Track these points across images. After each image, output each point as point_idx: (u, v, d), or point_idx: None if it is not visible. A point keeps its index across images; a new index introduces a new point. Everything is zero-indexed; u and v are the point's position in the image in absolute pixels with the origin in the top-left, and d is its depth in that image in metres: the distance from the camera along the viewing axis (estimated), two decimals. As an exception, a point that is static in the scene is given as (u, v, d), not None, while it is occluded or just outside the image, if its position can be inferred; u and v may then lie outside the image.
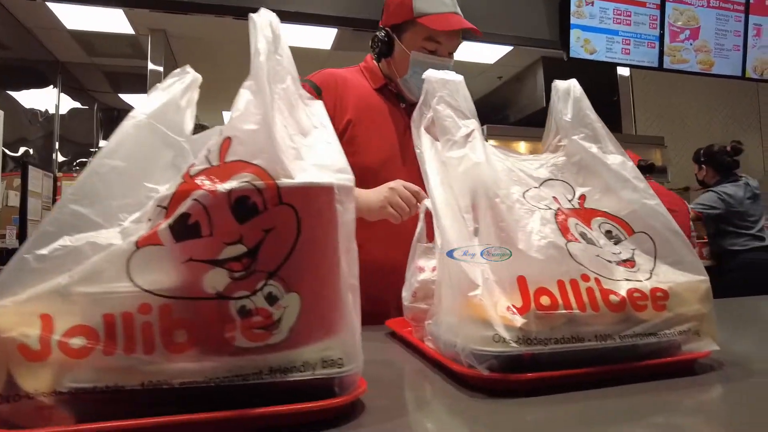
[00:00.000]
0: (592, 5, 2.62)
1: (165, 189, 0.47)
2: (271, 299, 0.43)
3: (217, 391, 0.42)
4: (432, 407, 0.50)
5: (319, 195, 0.45)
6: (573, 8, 2.58)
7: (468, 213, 0.60)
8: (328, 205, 0.45)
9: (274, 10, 0.53)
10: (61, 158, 4.45)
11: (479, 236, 0.59)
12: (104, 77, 4.64)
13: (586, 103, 0.69)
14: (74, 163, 4.51)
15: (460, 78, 0.70)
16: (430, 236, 0.79)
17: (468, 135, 0.65)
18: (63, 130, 4.40)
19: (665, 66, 2.77)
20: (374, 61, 1.24)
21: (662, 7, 2.75)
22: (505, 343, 0.50)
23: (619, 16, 2.68)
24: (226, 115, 0.53)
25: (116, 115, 4.69)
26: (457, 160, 0.64)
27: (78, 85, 4.59)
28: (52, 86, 4.26)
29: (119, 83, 4.77)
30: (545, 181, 0.66)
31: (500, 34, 2.60)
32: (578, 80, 0.73)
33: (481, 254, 0.56)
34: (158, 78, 3.75)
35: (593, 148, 0.66)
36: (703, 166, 2.86)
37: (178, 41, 4.17)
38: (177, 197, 0.43)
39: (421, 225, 0.80)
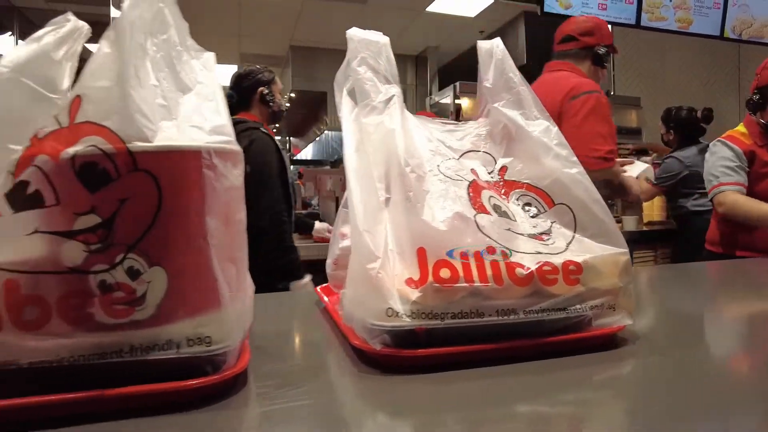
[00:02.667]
0: (571, -43, 2.51)
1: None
2: (133, 273, 0.39)
3: (73, 370, 0.39)
4: (320, 383, 0.48)
5: (182, 160, 0.41)
6: (550, -40, 2.47)
7: (381, 182, 0.57)
8: (195, 170, 0.41)
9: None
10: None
11: (388, 207, 0.55)
12: (66, 24, 4.40)
13: (509, 65, 0.65)
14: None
15: (385, 39, 0.65)
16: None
17: (388, 100, 0.61)
18: (24, 80, 4.20)
19: (643, 23, 2.70)
20: None
21: (643, -39, 2.66)
22: (398, 318, 0.47)
23: (598, -31, 2.58)
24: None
25: (79, 64, 4.49)
26: (374, 126, 0.60)
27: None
28: (9, 33, 4.04)
29: (82, 31, 4.54)
30: (465, 152, 0.63)
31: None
32: None
33: (443, 178, 0.57)
34: (123, 26, 3.57)
35: (516, 115, 0.63)
36: (671, 130, 2.87)
37: (142, -13, 3.94)
38: (22, 162, 0.39)
39: (348, 190, 0.77)
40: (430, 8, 4.70)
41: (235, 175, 0.45)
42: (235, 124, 2.26)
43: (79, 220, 0.38)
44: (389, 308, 0.48)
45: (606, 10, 2.62)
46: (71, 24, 0.53)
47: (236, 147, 0.46)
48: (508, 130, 0.65)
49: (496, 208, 0.57)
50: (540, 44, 4.95)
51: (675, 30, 2.77)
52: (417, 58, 5.85)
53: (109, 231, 0.39)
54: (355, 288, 0.52)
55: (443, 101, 3.05)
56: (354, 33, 0.65)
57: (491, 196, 0.58)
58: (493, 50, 0.68)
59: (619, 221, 3.43)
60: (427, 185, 0.56)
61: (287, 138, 7.79)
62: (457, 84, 2.88)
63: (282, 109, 2.11)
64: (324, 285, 0.84)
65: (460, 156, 0.63)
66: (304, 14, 4.72)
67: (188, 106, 0.45)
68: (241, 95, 2.04)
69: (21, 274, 0.38)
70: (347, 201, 0.76)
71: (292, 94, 5.47)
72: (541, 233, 0.57)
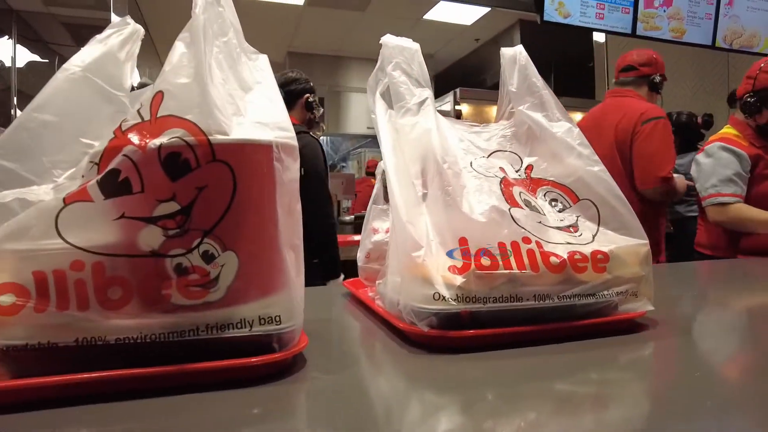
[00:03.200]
0: (569, -33, 2.58)
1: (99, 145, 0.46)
2: (208, 258, 0.43)
3: (154, 347, 0.42)
4: (371, 362, 0.52)
5: (255, 152, 0.44)
6: (549, -30, 2.53)
7: (417, 179, 0.61)
8: (266, 163, 0.45)
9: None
10: (19, 114, 4.27)
11: (426, 201, 0.59)
12: (65, 29, 4.41)
13: (532, 70, 0.69)
14: (35, 120, 4.32)
15: (416, 46, 0.69)
16: (387, 198, 0.79)
17: (421, 103, 0.65)
18: (21, 84, 4.20)
19: (638, 33, 2.77)
20: None
21: (638, -28, 2.73)
22: (444, 301, 0.51)
23: (595, -21, 2.65)
24: None
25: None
26: (410, 127, 0.64)
27: (36, 37, 4.36)
28: (6, 37, 4.03)
29: (81, 36, 4.54)
30: (493, 152, 0.67)
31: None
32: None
33: (478, 174, 0.61)
34: (122, 31, 3.58)
35: (539, 117, 0.67)
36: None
37: (142, -8, 3.97)
38: (108, 153, 0.42)
39: (378, 186, 0.81)
40: (427, 16, 4.77)
41: (295, 169, 0.49)
42: None
43: (160, 207, 0.41)
44: (436, 293, 0.51)
45: (603, 19, 2.69)
46: (131, 27, 0.57)
47: (296, 143, 0.49)
48: (532, 131, 0.69)
49: (527, 203, 0.61)
50: (535, 52, 5.03)
51: (669, 39, 2.85)
52: (413, 65, 5.90)
53: (187, 217, 0.42)
54: (399, 275, 0.56)
55: (443, 107, 3.10)
56: (388, 40, 0.69)
57: (521, 192, 0.62)
58: (516, 57, 0.72)
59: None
60: (463, 181, 0.59)
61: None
62: (458, 90, 2.94)
63: (320, 119, 2.17)
64: (351, 279, 0.87)
65: (489, 155, 0.67)
66: (304, 21, 4.77)
67: (253, 104, 0.48)
68: (288, 97, 2.08)
69: (106, 257, 0.41)
70: (377, 197, 0.79)
71: (290, 100, 5.49)
72: (569, 226, 0.61)
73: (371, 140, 6.21)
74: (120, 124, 0.43)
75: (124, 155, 0.40)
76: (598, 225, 0.62)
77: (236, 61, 0.52)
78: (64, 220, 0.40)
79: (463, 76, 5.90)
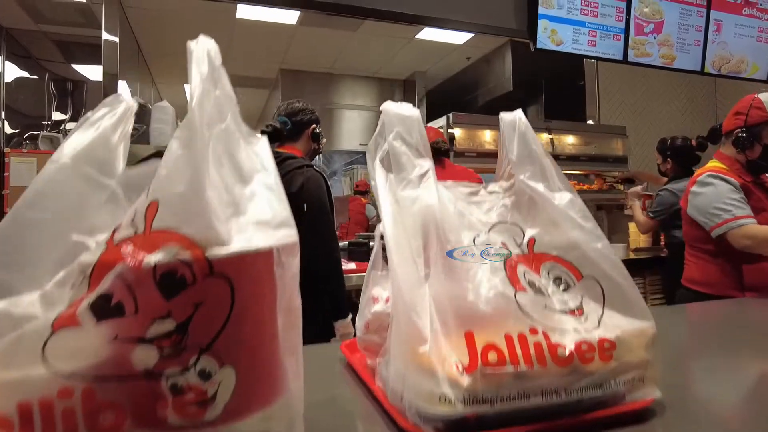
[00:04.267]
0: (561, -5, 2.60)
1: (94, 243, 0.44)
2: (205, 375, 0.40)
3: (146, 472, 0.39)
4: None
5: (255, 261, 0.42)
6: (541, -3, 2.55)
7: (419, 256, 0.59)
8: (267, 270, 0.43)
9: None
10: (9, 130, 4.20)
11: (430, 282, 0.57)
12: (55, 46, 4.37)
13: (531, 136, 0.68)
14: (24, 137, 4.27)
15: (416, 114, 0.68)
16: (386, 259, 0.78)
17: (423, 175, 0.64)
18: (9, 100, 4.14)
19: (629, 59, 2.80)
20: None
21: (628, 0, 2.76)
22: (451, 405, 0.49)
23: (586, 6, 2.67)
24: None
25: (70, 87, 4.44)
26: (411, 200, 0.62)
27: (25, 53, 4.31)
28: (-5, 53, 3.98)
29: (72, 53, 4.50)
30: (495, 225, 0.65)
31: (466, 21, 2.56)
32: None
33: (481, 254, 0.59)
34: (113, 49, 3.55)
35: (540, 187, 0.66)
36: (669, 159, 2.94)
37: (134, 11, 3.95)
38: (100, 267, 0.40)
39: (376, 249, 0.79)
40: (419, 36, 4.79)
41: (295, 265, 0.47)
42: (287, 159, 2.26)
43: (154, 325, 0.39)
44: (442, 394, 0.49)
45: (595, 46, 2.71)
46: (124, 105, 0.55)
47: (296, 238, 0.47)
48: (533, 200, 0.68)
49: (532, 285, 0.60)
50: (526, 71, 5.08)
51: (659, 65, 2.88)
52: (405, 82, 5.93)
53: (183, 335, 0.40)
54: (402, 366, 0.54)
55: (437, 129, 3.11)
56: (388, 107, 0.68)
57: (525, 272, 0.61)
58: (516, 123, 0.71)
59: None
60: (467, 262, 0.58)
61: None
62: (450, 115, 2.94)
63: (323, 149, 2.14)
64: (347, 342, 0.85)
65: (490, 229, 0.66)
66: (296, 39, 4.77)
67: (253, 201, 0.46)
68: (294, 127, 2.04)
69: (98, 381, 0.39)
70: (375, 262, 0.78)
71: (282, 117, 5.48)
72: (575, 309, 0.59)
73: (362, 156, 6.21)
74: (112, 235, 0.41)
75: (117, 275, 0.38)
76: (603, 306, 0.61)
77: (235, 149, 0.50)
78: (52, 347, 0.37)
79: (455, 93, 5.93)
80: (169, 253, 0.39)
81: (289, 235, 0.46)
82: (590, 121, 4.13)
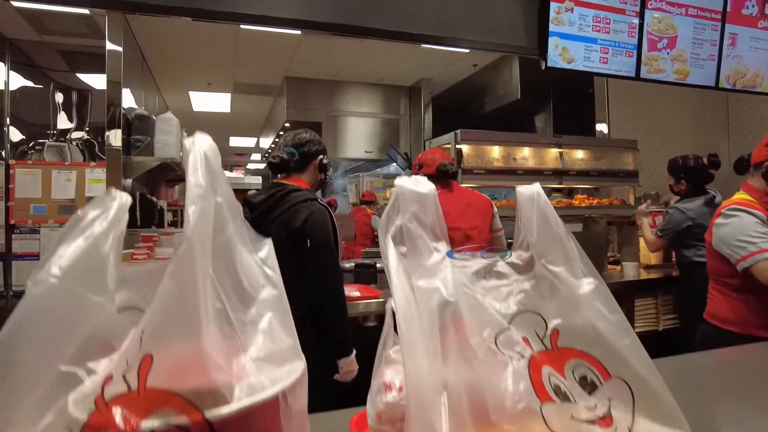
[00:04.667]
0: (572, 12, 2.54)
1: (83, 372, 0.40)
2: None
3: None
4: None
5: (260, 414, 0.38)
6: (552, 14, 2.50)
7: (436, 358, 0.55)
8: (272, 418, 0.39)
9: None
10: (14, 139, 4.19)
11: (448, 391, 0.53)
12: (59, 56, 4.35)
13: (551, 214, 0.64)
14: (29, 146, 4.26)
15: (433, 191, 0.64)
16: (396, 330, 0.74)
17: (440, 262, 0.59)
18: (14, 109, 4.13)
19: (642, 76, 2.74)
20: None
21: (641, 15, 2.70)
22: None
23: (598, 23, 2.62)
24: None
25: (75, 96, 4.42)
26: (428, 292, 0.58)
27: (30, 63, 4.29)
28: (0, 63, 3.96)
29: (77, 62, 4.48)
30: (515, 315, 0.61)
31: (475, 40, 2.51)
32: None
33: (504, 354, 0.56)
34: (117, 58, 3.52)
35: (564, 273, 0.61)
36: (682, 180, 2.88)
37: (137, 20, 3.92)
38: (88, 430, 0.36)
39: (387, 326, 0.75)
40: (426, 43, 4.74)
41: (303, 399, 0.43)
42: (292, 191, 2.20)
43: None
44: None
45: (607, 63, 2.65)
46: (117, 202, 0.51)
47: (303, 369, 0.43)
48: (555, 287, 0.63)
49: (557, 390, 0.55)
50: (534, 79, 5.02)
51: (673, 81, 2.82)
52: (410, 88, 5.88)
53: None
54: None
55: (445, 145, 3.06)
56: (403, 184, 0.64)
57: (551, 374, 0.56)
58: (534, 198, 0.66)
59: (618, 264, 3.45)
60: (489, 369, 0.54)
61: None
62: (458, 132, 2.89)
63: (330, 180, 2.08)
64: (356, 416, 0.81)
65: (510, 321, 0.62)
66: (302, 48, 4.73)
67: (256, 328, 0.42)
68: (302, 158, 1.99)
69: None
70: (386, 340, 0.73)
71: (287, 124, 5.45)
72: (603, 417, 0.55)
73: (368, 163, 6.17)
74: (102, 390, 0.36)
75: (107, 444, 0.34)
76: (633, 413, 0.56)
77: (237, 262, 0.46)
78: None
79: (461, 100, 5.88)
80: (166, 415, 0.35)
81: (294, 370, 0.42)
82: (599, 127, 4.06)
